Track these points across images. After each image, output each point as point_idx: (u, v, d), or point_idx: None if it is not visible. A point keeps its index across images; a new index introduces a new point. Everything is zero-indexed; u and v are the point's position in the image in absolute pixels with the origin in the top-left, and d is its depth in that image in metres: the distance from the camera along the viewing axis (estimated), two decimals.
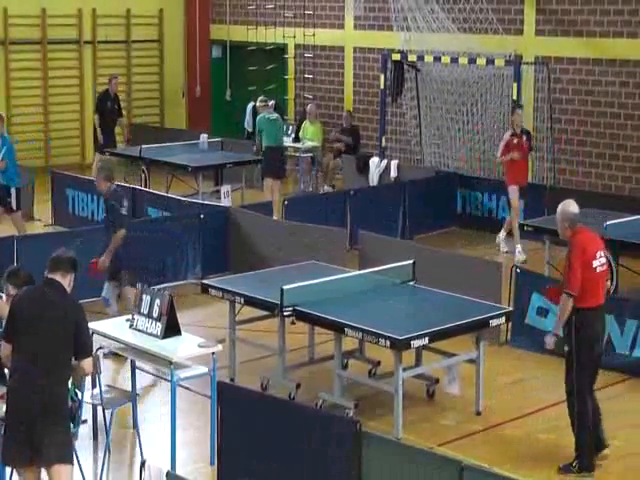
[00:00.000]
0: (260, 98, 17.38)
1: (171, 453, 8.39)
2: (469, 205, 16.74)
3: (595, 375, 8.60)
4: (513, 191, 14.89)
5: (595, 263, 8.37)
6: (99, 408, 8.60)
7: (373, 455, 7.00)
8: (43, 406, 6.74)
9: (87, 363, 7.00)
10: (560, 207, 8.51)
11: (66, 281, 7.05)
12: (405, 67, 18.24)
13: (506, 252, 15.00)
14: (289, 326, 10.07)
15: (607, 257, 8.73)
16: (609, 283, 8.67)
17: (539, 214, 14.12)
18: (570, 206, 8.49)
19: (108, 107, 18.92)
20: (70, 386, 7.21)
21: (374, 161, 17.73)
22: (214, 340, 8.92)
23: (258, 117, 16.86)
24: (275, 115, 16.86)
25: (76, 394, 7.56)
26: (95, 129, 19.00)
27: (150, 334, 8.70)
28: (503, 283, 11.24)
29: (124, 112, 20.25)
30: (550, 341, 8.49)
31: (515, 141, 14.82)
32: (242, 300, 9.93)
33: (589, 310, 8.33)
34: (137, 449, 8.70)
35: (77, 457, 7.60)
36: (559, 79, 17.14)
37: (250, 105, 21.33)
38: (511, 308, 10.24)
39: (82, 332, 6.98)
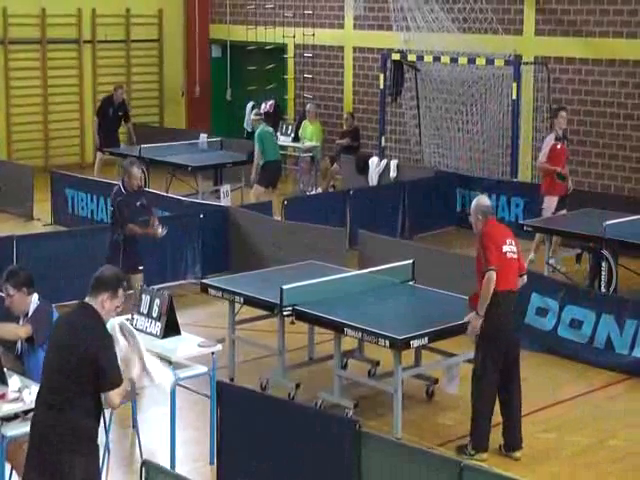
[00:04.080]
0: (255, 112, 17.17)
1: (171, 453, 8.39)
2: (469, 205, 16.67)
3: (509, 363, 8.67)
4: (551, 202, 13.88)
5: (505, 248, 8.68)
6: None
7: (373, 455, 6.99)
8: (59, 431, 6.07)
9: (115, 395, 6.16)
10: (475, 201, 8.92)
11: (108, 304, 6.26)
12: (405, 67, 18.25)
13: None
14: (289, 326, 10.07)
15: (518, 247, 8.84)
16: (524, 278, 8.90)
17: (539, 214, 14.09)
18: (484, 200, 8.99)
19: (110, 114, 18.95)
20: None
21: (374, 161, 17.73)
22: (214, 340, 8.91)
23: (260, 130, 16.35)
24: (270, 128, 16.88)
25: None
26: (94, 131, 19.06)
27: (150, 334, 8.69)
28: None
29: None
30: (477, 323, 8.51)
31: (559, 146, 13.79)
32: (242, 300, 9.93)
33: (498, 292, 8.54)
34: (137, 449, 8.70)
35: None
36: (559, 79, 17.13)
37: (250, 105, 21.35)
38: None
39: (102, 367, 6.11)
